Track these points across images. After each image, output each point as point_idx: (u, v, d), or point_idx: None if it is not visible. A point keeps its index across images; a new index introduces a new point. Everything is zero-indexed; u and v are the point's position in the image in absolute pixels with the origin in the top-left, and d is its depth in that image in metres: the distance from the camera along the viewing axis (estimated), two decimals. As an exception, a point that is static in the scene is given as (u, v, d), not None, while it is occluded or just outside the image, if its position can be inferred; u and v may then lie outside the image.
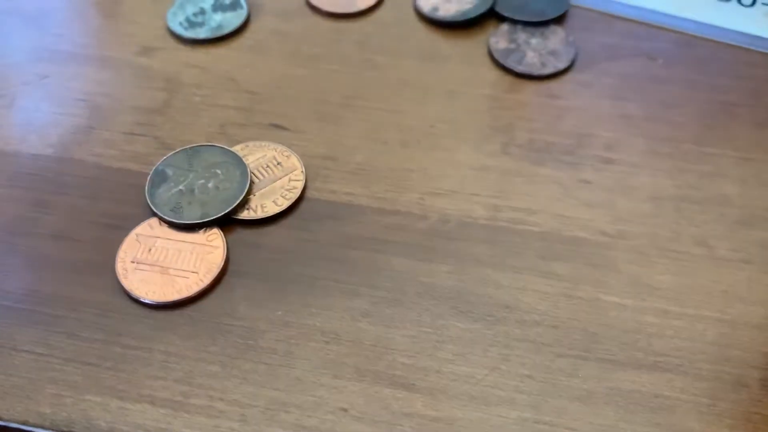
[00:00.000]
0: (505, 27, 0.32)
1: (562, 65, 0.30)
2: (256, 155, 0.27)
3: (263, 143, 0.27)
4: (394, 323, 0.23)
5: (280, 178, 0.26)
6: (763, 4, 0.30)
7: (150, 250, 0.24)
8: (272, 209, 0.25)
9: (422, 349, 0.22)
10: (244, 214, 0.25)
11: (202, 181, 0.25)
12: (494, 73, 0.31)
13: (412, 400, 0.21)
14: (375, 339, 0.23)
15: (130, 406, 0.21)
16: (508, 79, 0.30)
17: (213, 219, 0.24)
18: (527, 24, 0.32)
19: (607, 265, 0.24)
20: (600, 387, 0.22)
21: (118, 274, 0.24)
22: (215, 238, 0.24)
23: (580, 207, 0.26)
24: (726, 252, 0.25)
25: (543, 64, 0.30)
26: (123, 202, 0.26)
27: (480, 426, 0.21)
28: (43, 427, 0.20)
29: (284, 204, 0.25)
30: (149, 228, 0.25)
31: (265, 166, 0.26)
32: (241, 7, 0.33)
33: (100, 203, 0.26)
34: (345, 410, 0.21)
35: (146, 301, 0.23)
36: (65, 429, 0.20)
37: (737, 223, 0.25)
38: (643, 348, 0.22)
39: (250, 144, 0.27)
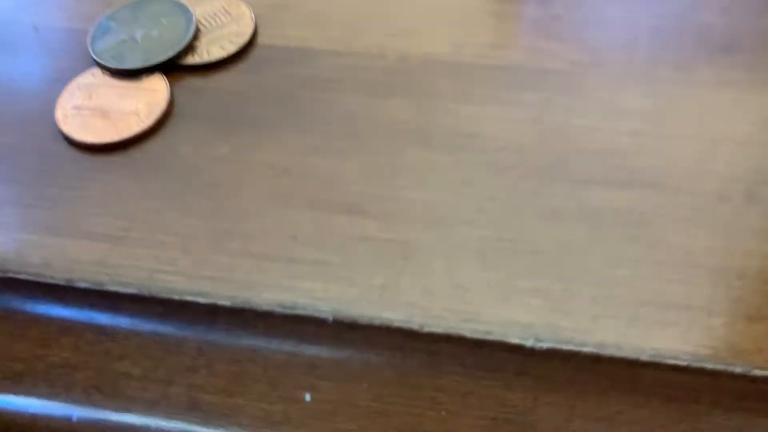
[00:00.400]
0: None
1: None
2: (204, 6, 0.25)
3: (212, -5, 0.25)
4: (347, 156, 0.21)
5: (228, 25, 0.24)
6: None
7: (91, 96, 0.23)
8: (218, 54, 0.24)
9: (377, 179, 0.21)
10: (190, 60, 0.23)
11: (146, 30, 0.24)
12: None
13: (366, 225, 0.20)
14: (327, 171, 0.21)
15: (66, 242, 0.20)
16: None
17: (156, 64, 0.23)
18: None
19: (578, 93, 0.23)
20: (569, 205, 0.20)
21: (57, 120, 0.22)
22: (158, 82, 0.23)
23: (551, 40, 0.24)
24: (707, 76, 0.23)
25: None
26: (66, 56, 0.25)
27: (436, 245, 0.19)
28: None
29: (231, 49, 0.24)
30: (91, 77, 0.23)
31: (212, 14, 0.25)
32: None
33: (42, 59, 0.25)
34: (294, 237, 0.20)
35: (86, 143, 0.22)
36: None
37: (719, 49, 0.24)
38: (617, 166, 0.21)
39: (199, -4, 0.25)
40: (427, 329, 0.18)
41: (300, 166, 0.21)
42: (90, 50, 0.24)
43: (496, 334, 0.17)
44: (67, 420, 0.18)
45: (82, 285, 0.19)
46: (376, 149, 0.21)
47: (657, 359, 0.17)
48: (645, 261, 0.19)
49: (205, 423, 0.18)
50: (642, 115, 0.22)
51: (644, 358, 0.17)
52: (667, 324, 0.17)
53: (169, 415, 0.18)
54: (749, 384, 0.17)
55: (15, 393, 0.19)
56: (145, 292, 0.19)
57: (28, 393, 0.19)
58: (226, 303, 0.18)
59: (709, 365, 0.17)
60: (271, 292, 0.18)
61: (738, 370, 0.16)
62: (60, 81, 0.24)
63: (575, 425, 0.17)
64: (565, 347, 0.17)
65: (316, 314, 0.18)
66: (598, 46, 0.24)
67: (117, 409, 0.18)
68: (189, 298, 0.18)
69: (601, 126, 0.22)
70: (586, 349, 0.17)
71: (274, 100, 0.23)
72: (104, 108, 0.22)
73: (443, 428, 0.17)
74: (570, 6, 0.25)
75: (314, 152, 0.21)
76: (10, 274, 0.19)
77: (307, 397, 0.18)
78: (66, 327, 0.19)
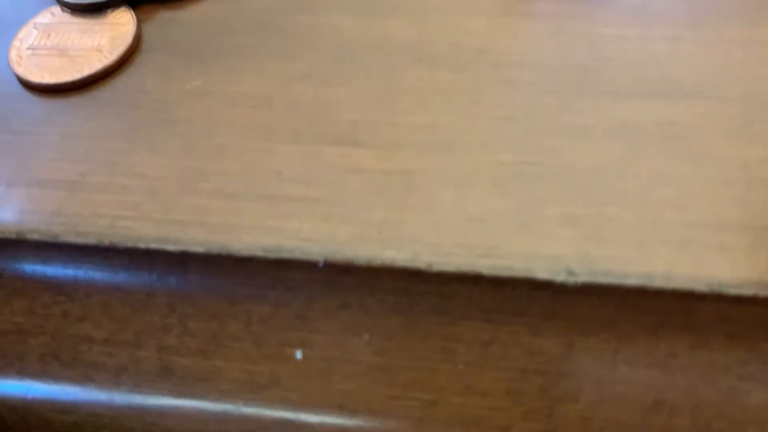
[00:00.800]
0: None
1: None
2: (176, -67, 0.22)
3: None
4: (338, 81, 0.19)
5: (202, -49, 0.22)
6: None
7: (49, 35, 0.20)
8: (192, -19, 0.21)
9: (373, 105, 0.18)
10: (159, -11, 0.21)
11: (110, -40, 0.21)
12: None
13: (361, 157, 0.17)
14: (315, 99, 0.18)
15: (16, 192, 0.17)
16: None
17: (121, -5, 0.20)
18: None
19: None
20: (599, 121, 0.17)
21: (11, 62, 0.20)
22: (124, 15, 0.20)
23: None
24: (754, -27, 0.20)
25: None
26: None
27: (445, 175, 0.16)
28: None
29: (206, -25, 0.21)
30: (50, 15, 0.21)
31: (185, -58, 0.22)
32: None
33: (-4, 1, 0.22)
34: (278, 173, 0.17)
35: (42, 84, 0.19)
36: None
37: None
38: (653, 77, 0.18)
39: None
40: (436, 268, 0.15)
41: (283, 95, 0.18)
42: (47, -14, 0.21)
43: (520, 269, 0.14)
44: (21, 397, 0.16)
45: (34, 237, 0.16)
46: (370, 73, 0.19)
47: (716, 290, 0.14)
48: (693, 178, 0.16)
49: (179, 390, 0.15)
50: (677, 18, 0.19)
51: (700, 288, 0.14)
52: (725, 248, 0.14)
53: (138, 382, 0.15)
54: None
55: (-37, 366, 0.16)
56: (106, 242, 0.16)
57: (-22, 365, 0.16)
58: (199, 249, 0.16)
59: (782, 291, 0.14)
60: (252, 235, 0.16)
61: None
62: (16, 23, 0.21)
63: (620, 373, 0.14)
64: (603, 281, 0.14)
65: (305, 257, 0.15)
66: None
67: (78, 379, 0.16)
68: (156, 245, 0.16)
69: (631, 34, 0.19)
70: (629, 282, 0.14)
71: (254, 27, 0.20)
72: (63, 46, 0.20)
73: (460, 384, 0.15)
74: None
75: (299, 80, 0.19)
76: (-47, 230, 0.17)
77: (298, 354, 0.15)
78: (17, 288, 0.16)
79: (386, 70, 0.19)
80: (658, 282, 0.14)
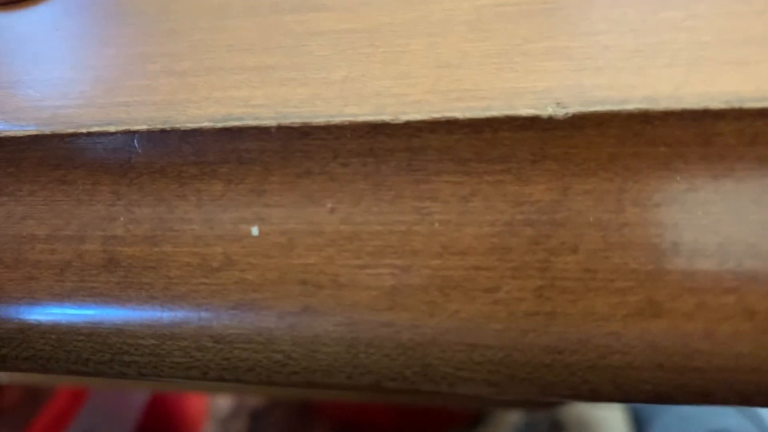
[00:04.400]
0: None
1: None
2: None
3: None
4: (300, -45, 0.17)
5: None
6: None
7: (1, -49, 0.19)
8: None
9: (338, -28, 0.16)
10: None
11: None
12: None
13: (322, 20, 0.15)
14: (275, -25, 0.16)
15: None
16: None
17: None
18: None
19: None
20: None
21: (-39, -20, 0.18)
22: None
23: None
24: None
25: None
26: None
27: (415, 25, 0.14)
28: None
29: None
30: (4, -66, 0.20)
31: None
32: None
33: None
34: (231, 46, 0.15)
35: (-11, -6, 0.18)
36: None
37: None
38: None
39: None
40: (404, 118, 0.13)
41: (240, -26, 0.17)
42: None
43: (500, 108, 0.12)
44: (-34, 305, 0.14)
45: (-28, 134, 0.15)
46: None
47: (736, 104, 0.11)
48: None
49: (126, 281, 0.14)
50: None
51: (717, 105, 0.11)
52: (744, 63, 0.12)
53: (83, 277, 0.14)
54: None
55: None
56: (47, 131, 0.14)
57: None
58: (143, 127, 0.14)
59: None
60: (199, 108, 0.14)
61: None
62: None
63: (628, 215, 0.12)
64: (600, 109, 0.12)
65: (256, 123, 0.13)
66: None
67: (21, 279, 0.14)
68: (97, 128, 0.14)
69: None
70: (629, 107, 0.12)
71: None
72: (14, -43, 0.18)
73: (438, 244, 0.12)
74: None
75: (259, -41, 0.17)
76: None
77: (254, 230, 0.13)
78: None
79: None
80: (665, 103, 0.12)
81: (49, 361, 0.14)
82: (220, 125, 0.13)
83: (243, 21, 0.15)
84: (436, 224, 0.12)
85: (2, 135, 0.15)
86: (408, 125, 0.13)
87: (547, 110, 0.12)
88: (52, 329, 0.14)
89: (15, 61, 0.16)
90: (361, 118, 0.13)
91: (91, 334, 0.14)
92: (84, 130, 0.14)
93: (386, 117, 0.13)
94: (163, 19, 0.16)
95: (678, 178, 0.12)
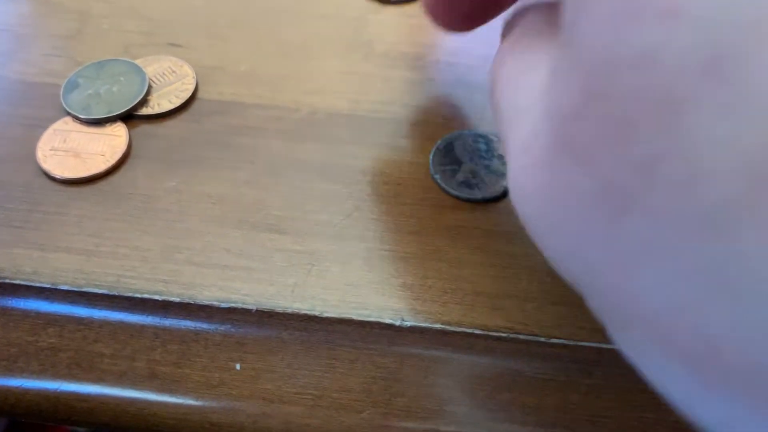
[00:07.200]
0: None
1: (418, -8, 0.36)
2: (154, 66, 0.32)
3: (160, 57, 0.32)
4: (269, 188, 0.28)
5: (175, 83, 0.31)
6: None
7: (65, 140, 0.29)
8: (167, 106, 0.30)
9: (292, 205, 0.28)
10: (144, 111, 0.30)
11: (108, 86, 0.30)
12: (362, 1, 0.36)
13: (282, 240, 0.27)
14: (253, 199, 0.28)
15: (50, 255, 0.26)
16: (373, 5, 0.36)
17: (117, 114, 0.29)
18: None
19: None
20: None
21: (38, 160, 0.28)
22: (119, 129, 0.29)
23: (427, 100, 0.32)
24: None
25: (403, -8, 0.36)
26: (42, 107, 0.30)
27: (335, 255, 0.26)
28: (-24, 272, 0.25)
29: (177, 102, 0.30)
30: (64, 124, 0.29)
31: (161, 74, 0.31)
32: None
33: (22, 109, 0.30)
34: (228, 250, 0.26)
35: (62, 178, 0.28)
36: (-4, 275, 0.25)
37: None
38: (468, 196, 0.28)
39: (149, 58, 0.32)
40: (325, 315, 0.24)
41: (232, 195, 0.28)
42: (63, 103, 0.30)
43: (375, 316, 0.24)
44: (54, 391, 0.24)
45: (65, 287, 0.25)
46: (291, 182, 0.28)
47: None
48: (483, 266, 0.26)
49: (161, 389, 0.24)
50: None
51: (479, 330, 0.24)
52: (496, 308, 0.25)
53: (134, 383, 0.24)
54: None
55: (11, 371, 0.25)
56: (114, 293, 0.25)
57: (21, 371, 0.25)
58: (176, 299, 0.25)
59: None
60: (210, 291, 0.25)
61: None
62: (38, 127, 0.29)
63: (428, 381, 0.24)
64: (422, 324, 0.24)
65: (244, 306, 0.25)
66: (461, 104, 0.31)
67: (93, 381, 0.24)
68: (147, 296, 0.25)
69: (459, 165, 0.29)
70: (436, 326, 0.24)
71: (211, 143, 0.29)
72: (76, 150, 0.28)
73: (337, 384, 0.24)
74: (442, 71, 0.33)
75: (243, 185, 0.28)
76: (7, 280, 0.25)
77: (237, 366, 0.24)
78: (51, 319, 0.25)
79: (302, 181, 0.28)
80: (453, 327, 0.24)
81: None
82: (223, 305, 0.25)
83: (235, 231, 0.27)
84: (337, 374, 0.24)
85: (84, 290, 0.25)
86: (327, 319, 0.25)
87: (398, 321, 0.24)
88: (112, 413, 0.24)
89: (84, 233, 0.26)
90: (302, 312, 0.25)
91: None
92: (138, 296, 0.25)
93: (316, 313, 0.25)
94: (183, 220, 0.27)
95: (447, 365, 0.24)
